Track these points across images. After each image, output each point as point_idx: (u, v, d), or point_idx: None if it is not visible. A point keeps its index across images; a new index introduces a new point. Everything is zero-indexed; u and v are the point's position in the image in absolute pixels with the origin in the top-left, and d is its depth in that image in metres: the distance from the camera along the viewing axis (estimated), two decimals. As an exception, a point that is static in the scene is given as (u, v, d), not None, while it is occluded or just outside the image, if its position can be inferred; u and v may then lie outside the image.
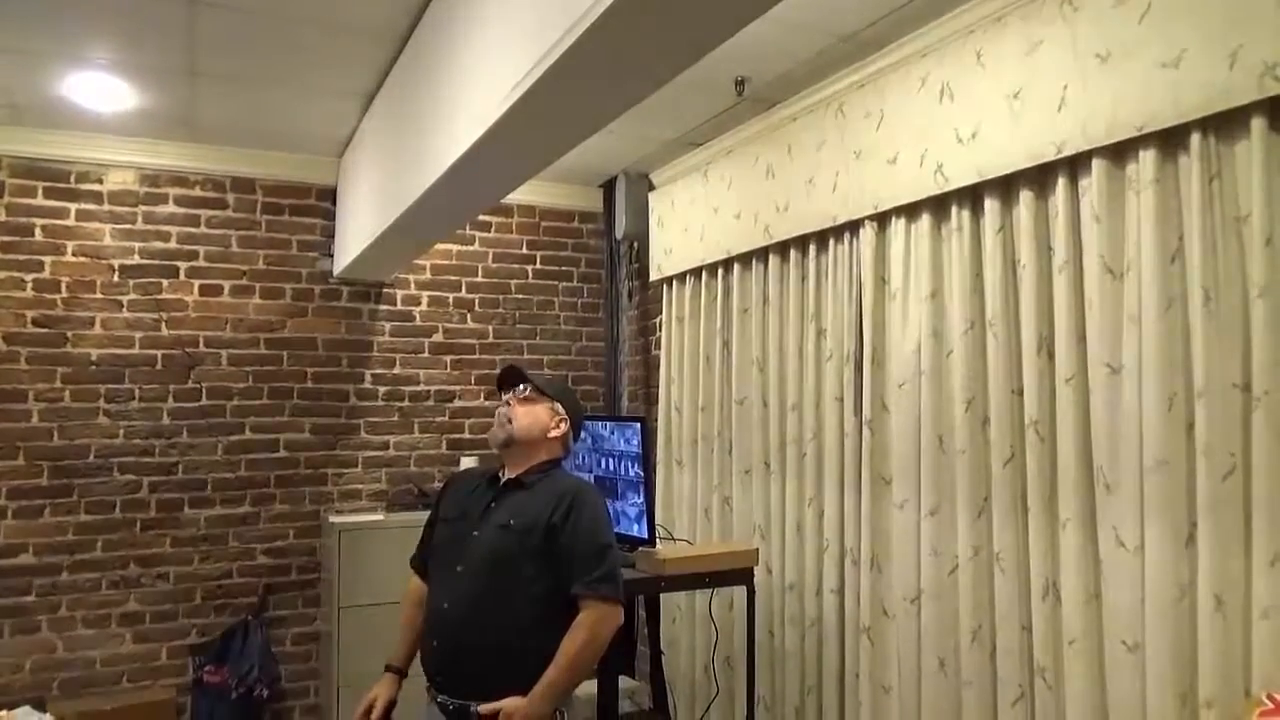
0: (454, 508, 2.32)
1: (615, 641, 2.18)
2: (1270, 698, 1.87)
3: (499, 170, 2.61)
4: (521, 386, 2.34)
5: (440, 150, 2.59)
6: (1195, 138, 2.06)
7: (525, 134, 2.26)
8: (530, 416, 2.30)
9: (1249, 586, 1.98)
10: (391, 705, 2.31)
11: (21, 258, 3.74)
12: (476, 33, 2.32)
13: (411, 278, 4.39)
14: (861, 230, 3.07)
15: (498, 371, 2.38)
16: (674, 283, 4.21)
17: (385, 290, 4.35)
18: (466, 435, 4.46)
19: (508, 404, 2.30)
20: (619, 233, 4.49)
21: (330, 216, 4.24)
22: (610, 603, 2.13)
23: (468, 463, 4.33)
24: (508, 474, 2.30)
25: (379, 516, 4.07)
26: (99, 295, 3.85)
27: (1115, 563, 2.23)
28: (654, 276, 4.32)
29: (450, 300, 4.48)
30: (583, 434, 2.74)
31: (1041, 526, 2.44)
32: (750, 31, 1.76)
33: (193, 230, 4.01)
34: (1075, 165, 2.37)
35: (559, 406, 2.35)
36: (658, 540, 3.14)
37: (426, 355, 4.41)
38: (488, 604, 2.13)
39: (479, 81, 2.28)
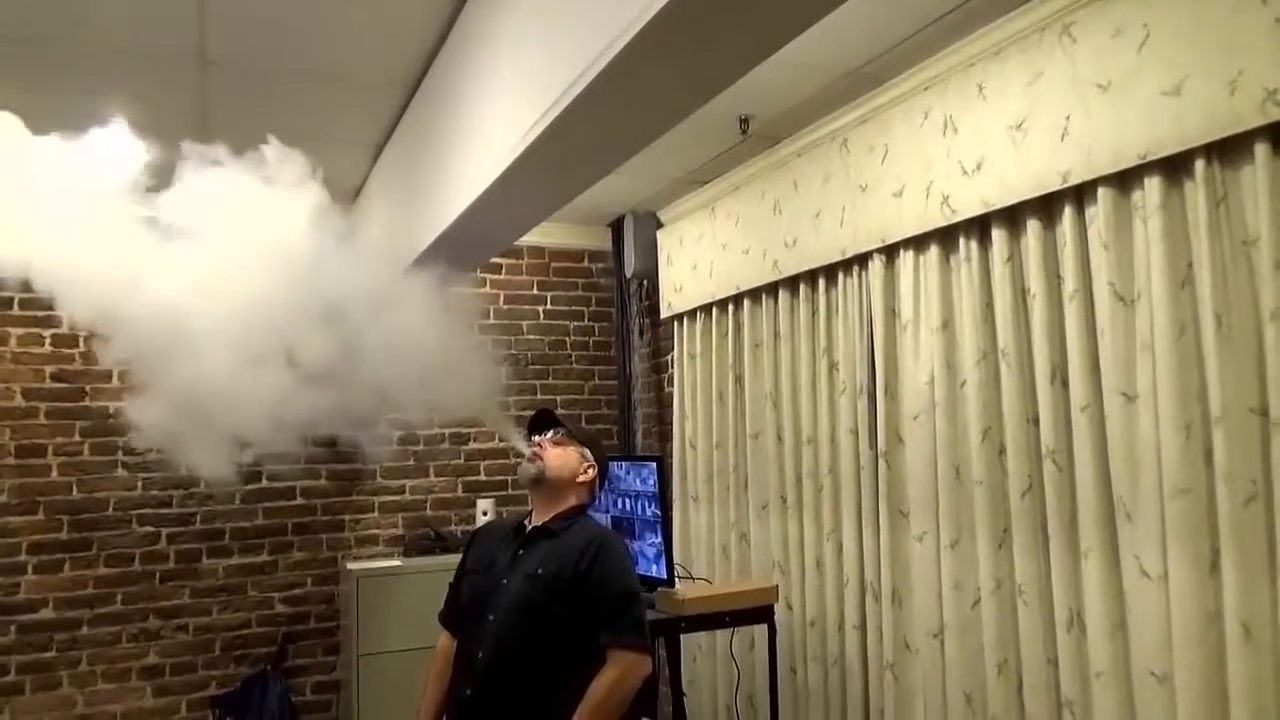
0: (482, 559, 2.32)
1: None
2: (1304, 728, 1.84)
3: (508, 217, 2.65)
4: (555, 429, 2.35)
5: (450, 198, 2.62)
6: (1200, 164, 2.07)
7: (534, 181, 2.29)
8: (561, 459, 2.30)
9: (1276, 614, 1.96)
10: None
11: (40, 314, 3.79)
12: (485, 81, 2.36)
13: (424, 322, 4.41)
14: (870, 263, 3.08)
15: (516, 413, 2.39)
16: (685, 319, 4.22)
17: (398, 335, 4.37)
18: (482, 477, 4.46)
19: (540, 445, 2.31)
20: (628, 271, 4.51)
21: (342, 264, 4.27)
22: (637, 652, 2.12)
23: (484, 505, 4.33)
24: (534, 520, 2.30)
25: (397, 562, 4.05)
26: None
27: (1139, 592, 2.20)
28: (665, 313, 4.34)
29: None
30: (608, 482, 2.74)
31: (1063, 557, 2.42)
32: (753, 70, 1.78)
33: (207, 282, 4.05)
34: (1081, 194, 2.38)
35: (588, 453, 2.36)
36: (677, 580, 3.12)
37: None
38: (518, 652, 2.12)
39: (488, 130, 2.32)
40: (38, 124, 3.16)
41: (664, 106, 1.90)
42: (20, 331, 3.75)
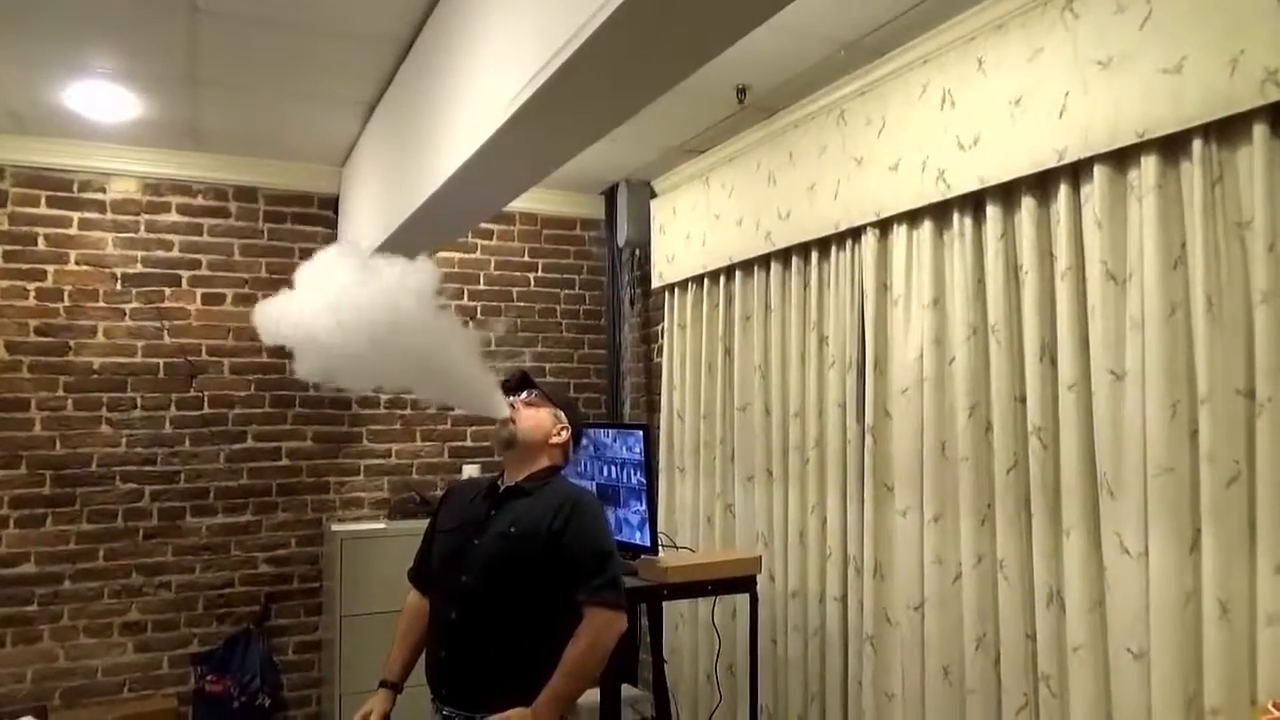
0: (452, 518, 2.32)
1: (618, 649, 2.17)
2: (1276, 705, 1.86)
3: (500, 179, 2.61)
4: (527, 391, 2.34)
5: (442, 159, 2.59)
6: (1197, 144, 2.06)
7: (526, 143, 2.26)
8: (534, 420, 2.30)
9: (1253, 593, 1.98)
10: None
11: (24, 266, 3.75)
12: (478, 41, 2.32)
13: (413, 286, 4.38)
14: (863, 237, 3.07)
15: (502, 378, 2.38)
16: (676, 290, 4.21)
17: (387, 298, 4.34)
18: (468, 443, 4.46)
19: (513, 406, 2.30)
20: (621, 240, 4.49)
21: (332, 225, 4.24)
22: (613, 609, 2.12)
23: (469, 470, 4.33)
24: (507, 480, 2.29)
25: (381, 525, 4.06)
26: (101, 304, 3.85)
27: (1119, 570, 2.22)
28: (656, 284, 4.32)
29: (452, 308, 4.47)
30: (583, 442, 2.74)
31: (1045, 534, 2.43)
32: (751, 39, 1.76)
33: (195, 239, 4.02)
34: (1077, 171, 2.37)
35: (562, 414, 2.35)
36: (660, 548, 3.13)
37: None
38: (493, 613, 2.12)
39: (480, 90, 2.29)
40: (19, 71, 3.12)
41: (659, 69, 1.87)
42: (4, 284, 3.71)
